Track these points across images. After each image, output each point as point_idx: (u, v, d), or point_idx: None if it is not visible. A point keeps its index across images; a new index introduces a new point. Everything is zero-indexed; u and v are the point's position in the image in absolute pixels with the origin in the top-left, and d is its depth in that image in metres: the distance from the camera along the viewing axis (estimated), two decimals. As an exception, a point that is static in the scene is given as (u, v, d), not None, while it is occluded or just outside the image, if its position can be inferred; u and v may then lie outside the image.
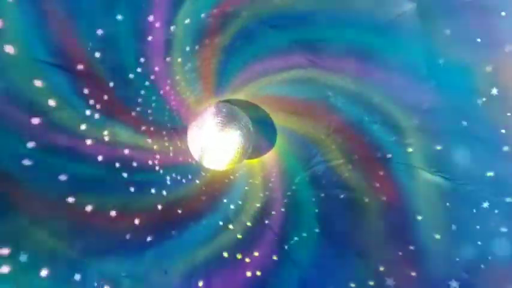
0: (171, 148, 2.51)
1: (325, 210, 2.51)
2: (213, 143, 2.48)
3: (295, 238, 2.48)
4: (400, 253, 2.32)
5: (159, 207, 2.30)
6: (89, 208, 2.03)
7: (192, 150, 2.53)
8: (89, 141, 2.05)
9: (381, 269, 2.32)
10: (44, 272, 1.89)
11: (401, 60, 2.30)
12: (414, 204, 2.35)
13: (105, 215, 2.10)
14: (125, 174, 2.20)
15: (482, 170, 2.24)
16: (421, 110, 2.31)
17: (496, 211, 2.22)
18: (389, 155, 2.42)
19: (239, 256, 2.38)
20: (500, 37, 2.15)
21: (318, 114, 2.53)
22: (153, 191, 2.31)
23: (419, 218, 2.33)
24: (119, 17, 1.99)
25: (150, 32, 2.12)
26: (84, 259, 1.99)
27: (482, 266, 2.20)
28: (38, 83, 1.86)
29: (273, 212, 2.57)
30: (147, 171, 2.34)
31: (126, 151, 2.22)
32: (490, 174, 2.23)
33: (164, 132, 2.47)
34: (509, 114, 2.18)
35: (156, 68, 2.25)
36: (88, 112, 2.03)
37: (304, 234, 2.48)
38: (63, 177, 1.96)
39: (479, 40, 2.16)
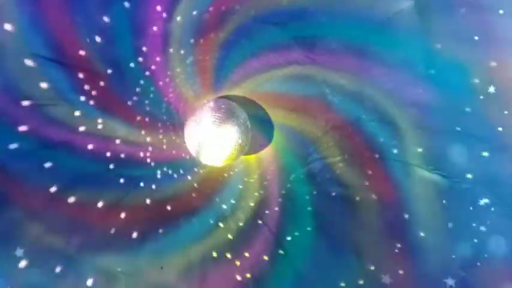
0: (164, 141, 2.50)
1: (321, 208, 2.50)
2: (211, 139, 2.47)
3: (291, 235, 2.47)
4: (397, 250, 2.31)
5: (148, 201, 2.30)
6: (80, 202, 2.02)
7: (189, 145, 2.52)
8: (82, 128, 2.04)
9: (378, 266, 2.32)
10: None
11: (399, 58, 2.30)
12: (411, 201, 2.35)
13: (95, 209, 2.10)
14: (114, 166, 2.19)
15: (479, 167, 2.24)
16: (419, 108, 2.31)
17: (493, 209, 2.22)
18: (386, 153, 2.42)
19: (228, 255, 2.38)
20: (497, 35, 2.16)
21: (316, 111, 2.52)
22: (142, 184, 2.31)
23: (416, 215, 2.32)
24: (126, 4, 1.99)
25: (152, 23, 2.12)
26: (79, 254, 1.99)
27: (478, 263, 2.20)
28: (32, 76, 1.86)
29: (268, 210, 2.56)
30: (138, 163, 2.33)
31: (118, 141, 2.21)
32: (487, 172, 2.23)
33: (159, 125, 2.46)
34: (506, 112, 2.19)
35: (158, 59, 2.25)
36: (82, 98, 2.03)
37: (300, 232, 2.47)
38: (52, 168, 1.96)
39: (476, 38, 2.17)
